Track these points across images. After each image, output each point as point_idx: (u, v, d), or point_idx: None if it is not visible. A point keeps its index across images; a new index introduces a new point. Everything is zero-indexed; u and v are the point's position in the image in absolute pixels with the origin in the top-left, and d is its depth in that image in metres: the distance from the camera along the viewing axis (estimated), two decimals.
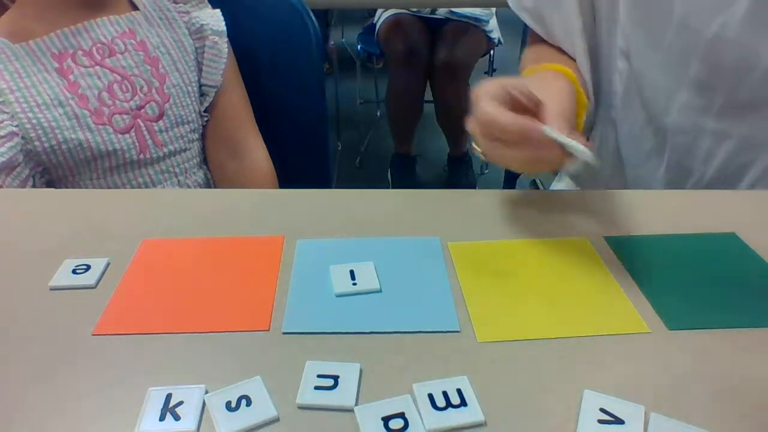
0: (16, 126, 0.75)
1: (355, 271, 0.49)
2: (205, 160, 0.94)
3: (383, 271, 0.50)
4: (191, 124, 0.89)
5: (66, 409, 0.38)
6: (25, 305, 0.47)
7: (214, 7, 0.93)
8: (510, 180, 1.19)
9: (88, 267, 0.50)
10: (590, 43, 0.78)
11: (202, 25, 0.90)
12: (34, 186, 0.78)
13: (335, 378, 0.39)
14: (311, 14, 0.97)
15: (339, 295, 0.47)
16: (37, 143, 0.77)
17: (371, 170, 2.55)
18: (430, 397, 0.37)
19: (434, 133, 2.52)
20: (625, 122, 0.77)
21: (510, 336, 0.43)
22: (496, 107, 0.49)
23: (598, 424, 0.36)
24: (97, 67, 0.81)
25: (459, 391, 0.38)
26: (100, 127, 0.80)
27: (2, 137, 0.74)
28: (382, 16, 2.32)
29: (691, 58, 0.64)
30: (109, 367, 0.41)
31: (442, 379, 0.39)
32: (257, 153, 0.95)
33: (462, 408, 0.37)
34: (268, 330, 0.44)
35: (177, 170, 0.87)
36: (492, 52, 2.34)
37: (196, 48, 0.90)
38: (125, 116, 0.82)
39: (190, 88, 0.89)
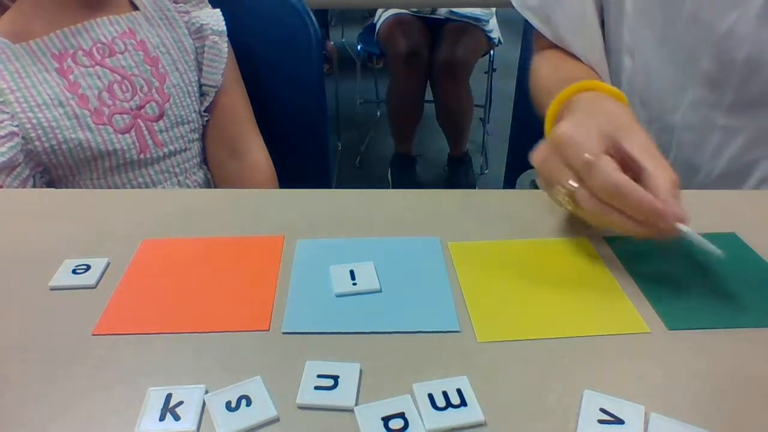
0: (17, 126, 0.75)
1: (355, 271, 0.49)
2: (205, 160, 0.94)
3: (383, 271, 0.50)
4: (191, 124, 0.89)
5: (66, 409, 0.38)
6: (25, 305, 0.47)
7: (214, 7, 0.93)
8: (510, 180, 1.19)
9: (88, 267, 0.50)
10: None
11: (202, 24, 0.90)
12: (34, 186, 0.78)
13: (335, 378, 0.39)
14: (311, 14, 0.97)
15: (339, 295, 0.47)
16: (37, 143, 0.77)
17: (371, 170, 2.55)
18: (430, 397, 0.37)
19: (434, 133, 2.52)
20: None
21: (510, 336, 0.43)
22: (624, 177, 0.45)
23: (598, 424, 0.36)
24: (97, 67, 0.81)
25: (459, 391, 0.38)
26: (100, 127, 0.80)
27: (2, 137, 0.74)
28: (382, 16, 2.32)
29: (701, 54, 0.64)
30: (109, 367, 0.41)
31: (442, 379, 0.39)
32: (257, 153, 0.95)
33: (462, 408, 0.37)
34: (268, 330, 0.44)
35: (177, 170, 0.88)
36: (492, 52, 2.34)
37: (196, 48, 0.90)
38: (125, 116, 0.82)
39: (190, 87, 0.89)
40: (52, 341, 0.43)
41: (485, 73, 2.43)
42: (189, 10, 0.91)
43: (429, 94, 2.35)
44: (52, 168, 0.80)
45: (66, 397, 0.38)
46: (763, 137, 0.65)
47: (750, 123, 0.65)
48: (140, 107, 0.83)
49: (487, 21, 2.21)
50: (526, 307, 0.46)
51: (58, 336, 0.44)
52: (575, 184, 0.47)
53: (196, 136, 0.91)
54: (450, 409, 0.37)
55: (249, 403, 0.37)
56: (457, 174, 2.44)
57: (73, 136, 0.78)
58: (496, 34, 2.26)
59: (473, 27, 2.20)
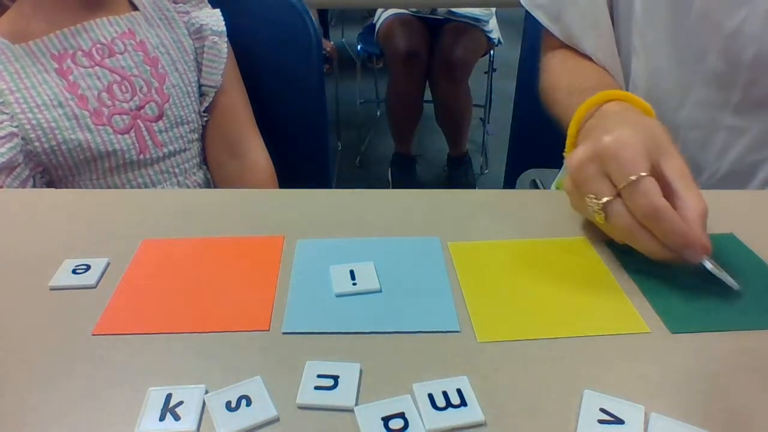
0: (16, 127, 0.75)
1: (355, 271, 0.49)
2: (204, 161, 0.94)
3: (383, 271, 0.50)
4: (191, 125, 0.89)
5: (66, 409, 0.38)
6: (25, 305, 0.47)
7: (213, 7, 0.93)
8: (510, 180, 1.19)
9: (88, 267, 0.50)
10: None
11: (201, 25, 0.90)
12: (34, 186, 0.78)
13: (335, 378, 0.39)
14: (311, 14, 0.97)
15: (339, 295, 0.47)
16: (36, 144, 0.77)
17: (371, 170, 2.55)
18: (430, 397, 0.37)
19: (434, 133, 2.52)
20: None
21: (510, 336, 0.43)
22: (665, 202, 0.45)
23: (598, 424, 0.36)
24: (97, 68, 0.81)
25: (459, 391, 0.38)
26: (100, 127, 0.80)
27: (2, 138, 0.74)
28: (382, 16, 2.33)
29: (709, 53, 0.64)
30: (109, 367, 0.41)
31: (442, 379, 0.39)
32: (257, 153, 0.95)
33: (462, 408, 0.37)
34: (268, 330, 0.44)
35: (177, 170, 0.88)
36: (492, 52, 2.34)
37: (195, 48, 0.90)
38: (125, 116, 0.82)
39: (189, 88, 0.89)
40: (52, 341, 0.43)
41: (485, 73, 2.43)
42: (188, 11, 0.91)
43: (429, 94, 2.35)
44: (52, 168, 0.80)
45: (66, 397, 0.38)
46: (767, 138, 0.65)
47: (756, 123, 0.65)
48: (140, 108, 0.83)
49: (487, 21, 2.21)
50: (526, 307, 0.46)
51: (58, 336, 0.44)
52: (611, 198, 0.47)
53: (196, 136, 0.91)
54: (450, 409, 0.37)
55: (249, 403, 0.37)
56: (457, 174, 2.44)
57: (72, 136, 0.78)
58: (496, 34, 2.26)
59: (473, 27, 2.20)
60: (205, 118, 0.92)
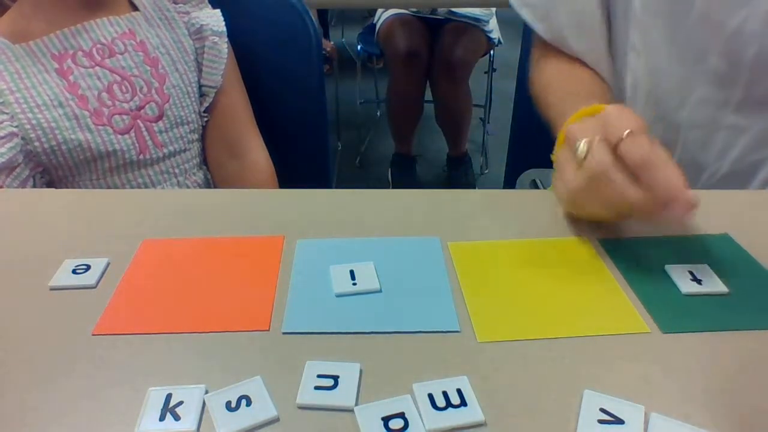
0: (16, 127, 0.75)
1: (355, 271, 0.49)
2: (204, 161, 0.94)
3: (383, 271, 0.50)
4: (191, 125, 0.89)
5: (66, 409, 0.38)
6: (25, 305, 0.47)
7: (214, 7, 0.93)
8: (510, 180, 1.19)
9: (88, 267, 0.50)
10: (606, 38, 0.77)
11: (201, 25, 0.90)
12: (34, 186, 0.78)
13: (335, 378, 0.39)
14: (311, 15, 0.97)
15: (339, 295, 0.47)
16: (36, 144, 0.77)
17: (371, 170, 2.55)
18: (430, 397, 0.37)
19: (434, 133, 2.52)
20: None
21: (510, 336, 0.43)
22: (664, 156, 0.46)
23: (598, 424, 0.36)
24: (97, 68, 0.81)
25: (459, 391, 0.38)
26: (100, 127, 0.80)
27: (2, 138, 0.74)
28: (382, 17, 2.33)
29: (710, 52, 0.64)
30: (109, 367, 0.41)
31: (442, 379, 0.39)
32: (257, 153, 0.95)
33: (462, 408, 0.37)
34: (268, 330, 0.44)
35: (177, 171, 0.88)
36: (492, 52, 2.34)
37: (195, 48, 0.90)
38: (125, 117, 0.82)
39: (189, 88, 0.89)
40: (52, 341, 0.43)
41: (485, 73, 2.43)
42: (189, 11, 0.91)
43: (429, 94, 2.35)
44: (52, 168, 0.80)
45: (66, 397, 0.39)
46: None
47: (757, 123, 0.65)
48: (140, 108, 0.83)
49: (487, 21, 2.21)
50: (526, 307, 0.46)
51: (58, 336, 0.44)
52: (598, 140, 0.47)
53: (196, 136, 0.91)
54: (450, 409, 0.37)
55: (249, 403, 0.37)
56: (457, 174, 2.44)
57: (72, 136, 0.78)
58: (496, 34, 2.26)
59: (473, 27, 2.20)
60: (205, 119, 0.92)
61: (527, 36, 1.01)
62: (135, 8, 0.88)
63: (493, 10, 2.23)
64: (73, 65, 0.79)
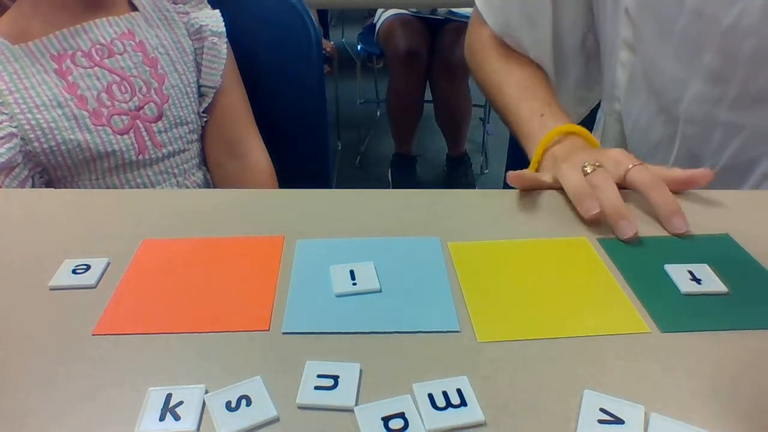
0: (15, 127, 0.75)
1: (355, 271, 0.49)
2: (204, 161, 0.94)
3: (383, 271, 0.50)
4: (190, 125, 0.89)
5: (66, 410, 0.38)
6: (25, 305, 0.47)
7: (213, 7, 0.93)
8: None
9: (88, 267, 0.50)
10: (590, 36, 0.78)
11: (201, 26, 0.90)
12: (33, 186, 0.78)
13: (335, 378, 0.39)
14: (311, 15, 0.97)
15: (339, 295, 0.47)
16: (36, 144, 0.77)
17: (371, 170, 2.55)
18: (430, 397, 0.37)
19: (434, 133, 2.53)
20: (630, 113, 0.76)
21: (510, 336, 0.43)
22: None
23: (598, 424, 0.36)
24: (96, 68, 0.81)
25: (459, 391, 0.38)
26: (99, 128, 0.80)
27: (1, 138, 0.74)
28: (382, 17, 2.33)
29: (704, 48, 0.63)
30: (109, 367, 0.41)
31: (442, 379, 0.39)
32: (257, 153, 0.95)
33: (462, 408, 0.37)
34: (268, 330, 0.44)
35: (176, 171, 0.88)
36: None
37: (195, 49, 0.90)
38: (124, 117, 0.82)
39: (189, 88, 0.89)
40: (52, 341, 0.43)
41: None
42: (188, 11, 0.91)
43: (429, 94, 2.35)
44: (51, 169, 0.80)
45: (66, 397, 0.38)
46: (766, 134, 0.65)
47: (753, 119, 0.65)
48: (139, 108, 0.83)
49: None
50: (526, 307, 0.46)
51: (58, 336, 0.44)
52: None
53: (195, 137, 0.91)
54: (450, 409, 0.37)
55: (249, 403, 0.37)
56: (457, 174, 2.44)
57: (71, 137, 0.78)
58: None
59: None
60: (205, 119, 0.92)
61: None
62: (134, 8, 0.88)
63: None
64: (72, 66, 0.79)
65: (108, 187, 0.82)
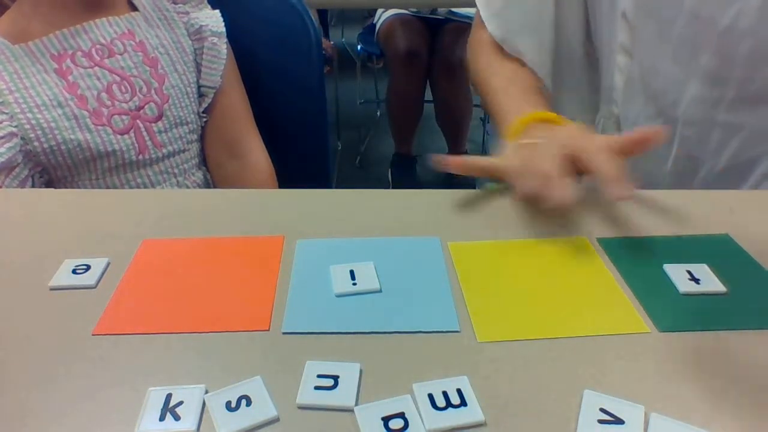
0: (15, 126, 0.75)
1: (355, 271, 0.49)
2: (204, 161, 0.94)
3: (383, 271, 0.50)
4: (190, 125, 0.89)
5: (66, 410, 0.38)
6: (25, 305, 0.47)
7: (213, 7, 0.93)
8: None
9: (88, 267, 0.50)
10: (587, 41, 0.78)
11: (201, 26, 0.90)
12: (33, 186, 0.78)
13: (335, 378, 0.39)
14: (311, 15, 0.97)
15: (339, 295, 0.47)
16: (36, 144, 0.77)
17: (371, 170, 2.55)
18: (430, 397, 0.37)
19: (434, 133, 2.52)
20: (628, 116, 0.76)
21: (510, 336, 0.43)
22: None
23: (598, 424, 0.36)
24: (96, 68, 0.81)
25: (459, 391, 0.38)
26: (99, 127, 0.80)
27: (1, 138, 0.74)
28: (382, 17, 2.33)
29: (702, 50, 0.64)
30: (109, 367, 0.41)
31: (442, 379, 0.39)
32: (257, 153, 0.95)
33: (462, 408, 0.37)
34: (268, 330, 0.44)
35: (176, 171, 0.88)
36: None
37: (195, 49, 0.90)
38: (124, 117, 0.82)
39: (189, 89, 0.89)
40: (52, 341, 0.43)
41: None
42: (188, 11, 0.91)
43: (429, 94, 2.35)
44: (51, 168, 0.80)
45: (66, 397, 0.38)
46: (765, 134, 0.65)
47: (751, 120, 0.65)
48: (139, 108, 0.83)
49: None
50: (526, 307, 0.46)
51: (58, 336, 0.44)
52: None
53: (195, 137, 0.91)
54: (450, 409, 0.37)
55: (249, 403, 0.37)
56: (457, 174, 2.44)
57: (72, 136, 0.78)
58: None
59: None
60: (205, 119, 0.92)
61: None
62: (134, 8, 0.88)
63: None
64: (72, 65, 0.79)
65: (108, 187, 0.82)
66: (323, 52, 1.62)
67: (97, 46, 0.82)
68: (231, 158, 0.94)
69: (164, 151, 0.85)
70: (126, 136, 0.82)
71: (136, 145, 0.83)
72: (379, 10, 2.38)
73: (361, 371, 0.40)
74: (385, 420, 0.36)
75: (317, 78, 0.99)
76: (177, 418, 0.37)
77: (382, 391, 0.38)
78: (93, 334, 0.44)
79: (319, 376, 0.39)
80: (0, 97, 0.75)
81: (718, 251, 0.52)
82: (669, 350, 0.42)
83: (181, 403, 0.38)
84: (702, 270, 0.49)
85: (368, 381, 0.39)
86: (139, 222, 0.57)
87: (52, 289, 0.48)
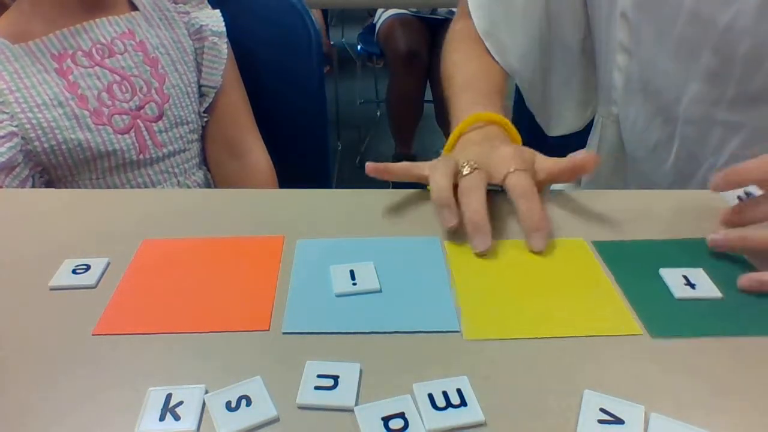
0: (16, 126, 0.75)
1: (355, 271, 0.49)
2: (204, 161, 0.94)
3: (383, 271, 0.50)
4: (191, 125, 0.89)
5: (66, 410, 0.38)
6: (25, 305, 0.47)
7: (214, 7, 0.93)
8: None
9: (88, 267, 0.50)
10: (586, 39, 0.78)
11: (201, 25, 0.90)
12: (33, 186, 0.78)
13: (335, 378, 0.39)
14: (311, 15, 0.97)
15: (339, 295, 0.47)
16: (36, 143, 0.77)
17: None
18: (430, 397, 0.37)
19: (434, 133, 2.52)
20: (627, 116, 0.76)
21: (497, 335, 0.43)
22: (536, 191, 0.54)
23: (598, 424, 0.36)
24: (97, 68, 0.81)
25: (459, 391, 0.38)
26: (100, 127, 0.80)
27: (2, 137, 0.74)
28: (382, 17, 2.33)
29: (702, 49, 0.64)
30: (109, 368, 0.41)
31: (442, 379, 0.39)
32: (257, 153, 0.95)
33: (462, 408, 0.37)
34: (268, 330, 0.44)
35: (176, 170, 0.88)
36: None
37: (195, 49, 0.90)
38: (125, 116, 0.82)
39: (189, 88, 0.89)
40: (52, 341, 0.43)
41: None
42: (188, 11, 0.91)
43: (429, 94, 2.35)
44: (52, 168, 0.80)
45: (66, 397, 0.38)
46: (764, 133, 0.65)
47: (751, 119, 0.65)
48: (140, 108, 0.83)
49: None
50: (517, 306, 0.46)
51: (58, 336, 0.44)
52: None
53: (196, 136, 0.91)
54: (450, 409, 0.37)
55: (249, 403, 0.37)
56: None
57: (72, 136, 0.78)
58: None
59: None
60: (205, 119, 0.92)
61: None
62: (134, 8, 0.88)
63: None
64: (72, 65, 0.79)
65: (108, 187, 0.82)
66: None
67: (98, 46, 0.82)
68: (231, 158, 0.94)
69: (164, 150, 0.86)
70: (126, 135, 0.82)
71: (137, 144, 0.83)
72: (379, 10, 2.38)
73: (361, 371, 0.40)
74: (385, 420, 0.36)
75: (317, 78, 1.00)
76: (177, 418, 0.37)
77: (382, 391, 0.38)
78: (93, 334, 0.44)
79: (319, 376, 0.39)
80: (0, 97, 0.75)
81: (715, 256, 0.51)
82: (669, 350, 0.42)
83: (181, 403, 0.38)
84: (698, 275, 0.48)
85: (368, 381, 0.39)
86: (139, 222, 0.57)
87: (52, 289, 0.48)
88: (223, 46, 0.90)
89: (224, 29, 0.91)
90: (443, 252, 0.52)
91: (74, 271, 0.50)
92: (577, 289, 0.48)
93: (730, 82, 0.64)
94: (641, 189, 0.70)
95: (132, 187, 0.84)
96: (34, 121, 0.76)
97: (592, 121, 0.88)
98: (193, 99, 0.89)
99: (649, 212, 0.57)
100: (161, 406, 0.37)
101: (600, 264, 0.51)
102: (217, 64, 0.90)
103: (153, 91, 0.84)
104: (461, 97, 0.73)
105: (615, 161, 0.81)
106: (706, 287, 0.47)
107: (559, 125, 0.89)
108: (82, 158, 0.79)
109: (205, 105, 0.91)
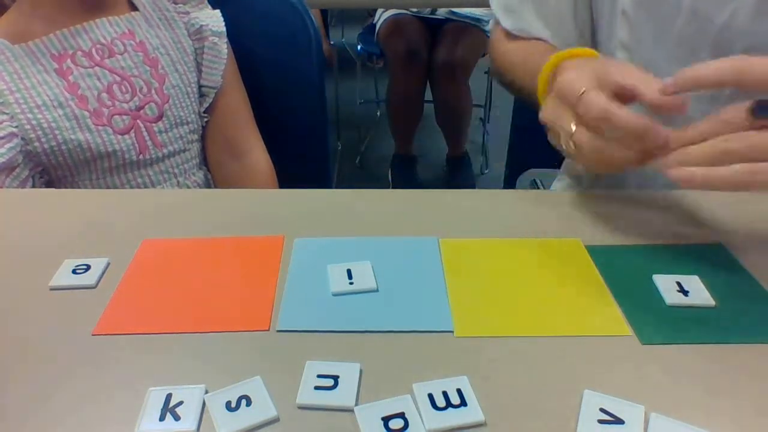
0: (16, 127, 0.75)
1: (352, 270, 0.49)
2: (204, 161, 0.94)
3: (380, 271, 0.50)
4: (191, 125, 0.89)
5: (66, 410, 0.38)
6: (25, 305, 0.47)
7: (214, 7, 0.93)
8: (510, 180, 1.19)
9: (88, 267, 0.50)
10: (588, 37, 0.78)
11: (201, 26, 0.90)
12: (33, 186, 0.78)
13: (335, 378, 0.39)
14: (311, 14, 0.97)
15: (336, 294, 0.47)
16: (36, 144, 0.77)
17: (371, 170, 2.55)
18: (430, 397, 0.37)
19: (434, 133, 2.52)
20: None
21: (487, 332, 0.43)
22: (610, 103, 0.48)
23: (598, 424, 0.36)
24: (97, 68, 0.81)
25: (459, 391, 0.38)
26: (100, 127, 0.80)
27: (2, 138, 0.74)
28: (382, 17, 2.32)
29: (700, 48, 0.64)
30: (109, 368, 0.41)
31: (442, 379, 0.39)
32: (257, 153, 0.95)
33: (462, 408, 0.37)
34: (268, 330, 0.44)
35: (176, 171, 0.88)
36: None
37: (195, 49, 0.90)
38: (125, 117, 0.82)
39: (189, 88, 0.89)
40: (52, 341, 0.43)
41: (485, 73, 2.43)
42: (188, 11, 0.91)
43: (429, 94, 2.35)
44: (52, 168, 0.80)
45: (66, 397, 0.39)
46: None
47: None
48: (140, 108, 0.83)
49: (487, 21, 2.21)
50: (508, 304, 0.46)
51: (58, 336, 0.44)
52: (574, 127, 0.50)
53: (196, 137, 0.91)
54: (450, 409, 0.37)
55: (249, 403, 0.37)
56: (456, 174, 2.44)
57: (72, 137, 0.78)
58: None
59: (473, 27, 2.20)
60: (205, 119, 0.92)
61: None
62: (134, 8, 0.88)
63: None
64: (72, 65, 0.79)
65: (108, 187, 0.82)
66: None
67: (98, 46, 0.82)
68: (231, 158, 0.94)
69: (165, 151, 0.85)
70: (126, 136, 0.82)
71: (137, 145, 0.83)
72: (379, 10, 2.37)
73: (361, 371, 0.40)
74: (385, 420, 0.36)
75: (317, 78, 0.99)
76: (177, 418, 0.37)
77: (382, 391, 0.38)
78: (93, 334, 0.44)
79: (319, 376, 0.39)
80: (0, 98, 0.75)
81: (710, 262, 0.50)
82: (668, 350, 0.42)
83: (181, 403, 0.38)
84: (692, 281, 0.48)
85: (368, 381, 0.39)
86: (138, 222, 0.57)
87: (52, 289, 0.48)
88: (223, 47, 0.90)
89: (224, 29, 0.91)
90: (440, 252, 0.52)
91: (74, 271, 0.50)
92: (570, 289, 0.48)
93: None
94: (641, 189, 0.70)
95: (132, 187, 0.84)
96: (34, 122, 0.76)
97: None
98: (193, 99, 0.89)
99: (644, 216, 0.57)
100: (161, 406, 0.37)
101: (595, 265, 0.50)
102: (217, 64, 0.90)
103: (153, 91, 0.84)
104: (527, 64, 0.71)
105: None
106: (699, 294, 0.46)
107: None
108: (82, 159, 0.79)
109: (205, 105, 0.91)
